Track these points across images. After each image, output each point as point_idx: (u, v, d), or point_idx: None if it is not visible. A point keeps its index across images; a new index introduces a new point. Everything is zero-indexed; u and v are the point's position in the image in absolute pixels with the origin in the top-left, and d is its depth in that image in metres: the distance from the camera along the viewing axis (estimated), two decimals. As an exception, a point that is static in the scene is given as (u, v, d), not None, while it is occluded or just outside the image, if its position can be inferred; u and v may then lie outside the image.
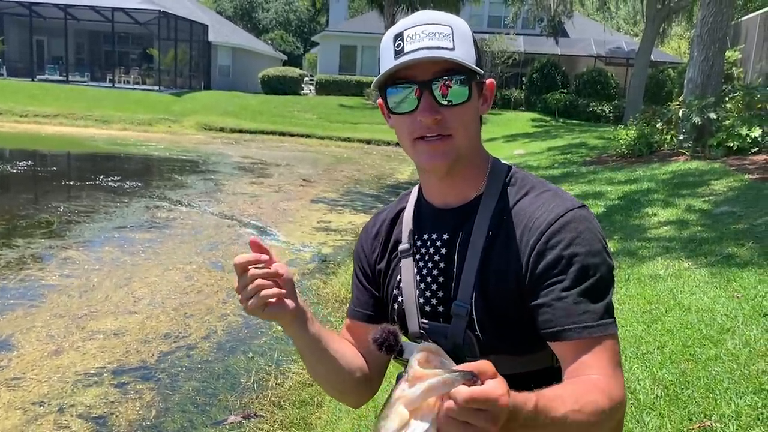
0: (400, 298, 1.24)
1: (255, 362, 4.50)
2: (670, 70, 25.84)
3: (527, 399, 0.81)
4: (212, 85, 34.97)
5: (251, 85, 35.32)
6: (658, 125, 11.71)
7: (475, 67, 1.10)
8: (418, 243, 1.23)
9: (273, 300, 1.06)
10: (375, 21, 30.13)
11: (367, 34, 32.01)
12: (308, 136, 23.52)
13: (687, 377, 3.31)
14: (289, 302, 1.09)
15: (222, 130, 23.78)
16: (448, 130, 1.10)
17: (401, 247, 1.25)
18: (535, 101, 27.96)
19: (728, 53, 13.42)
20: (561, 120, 25.26)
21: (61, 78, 31.67)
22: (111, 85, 30.90)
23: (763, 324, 3.76)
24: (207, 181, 13.14)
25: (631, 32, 38.34)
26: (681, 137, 10.66)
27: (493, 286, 1.12)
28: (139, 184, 12.11)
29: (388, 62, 1.10)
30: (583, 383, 1.00)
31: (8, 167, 13.40)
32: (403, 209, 1.31)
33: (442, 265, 1.19)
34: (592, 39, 29.89)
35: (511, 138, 19.93)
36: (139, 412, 3.75)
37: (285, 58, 47.67)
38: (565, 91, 27.22)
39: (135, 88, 30.63)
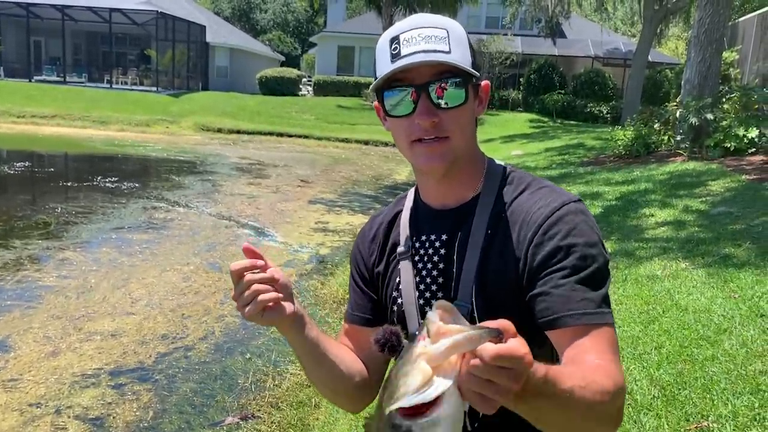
0: (399, 300, 1.24)
1: (252, 363, 4.50)
2: (667, 70, 25.88)
3: (538, 366, 0.80)
4: (210, 86, 34.94)
5: (249, 86, 35.31)
6: (655, 126, 11.72)
7: (471, 69, 1.11)
8: (417, 244, 1.23)
9: (270, 304, 1.06)
10: (373, 22, 30.15)
11: (365, 35, 32.01)
12: (306, 137, 23.52)
13: (684, 378, 3.31)
14: (287, 307, 1.08)
15: (220, 130, 23.77)
16: (445, 133, 1.11)
17: (400, 249, 1.26)
18: (533, 102, 27.99)
19: (725, 54, 13.45)
20: (558, 121, 25.29)
21: (58, 79, 31.64)
22: (108, 85, 30.85)
23: (760, 324, 3.77)
24: (205, 181, 13.13)
25: (629, 33, 38.40)
26: (678, 138, 10.68)
27: (493, 284, 1.12)
28: (137, 185, 12.10)
29: (384, 65, 1.11)
30: (586, 364, 0.99)
31: (6, 168, 13.38)
32: (400, 212, 1.31)
33: (441, 265, 1.19)
34: (590, 40, 29.93)
35: (509, 139, 19.95)
36: (137, 414, 3.75)
37: (283, 58, 47.66)
38: (563, 91, 27.25)
39: (133, 89, 30.60)
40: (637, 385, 3.30)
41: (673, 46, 33.05)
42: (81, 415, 3.69)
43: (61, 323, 4.99)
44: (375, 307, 1.31)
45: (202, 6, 46.21)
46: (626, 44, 30.02)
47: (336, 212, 10.44)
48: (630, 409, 3.09)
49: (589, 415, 0.92)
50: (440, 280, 1.19)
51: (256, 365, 4.47)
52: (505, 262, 1.12)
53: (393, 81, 1.10)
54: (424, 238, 1.23)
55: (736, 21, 16.51)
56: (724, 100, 10.76)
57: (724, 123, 9.95)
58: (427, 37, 1.09)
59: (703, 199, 7.18)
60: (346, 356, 1.26)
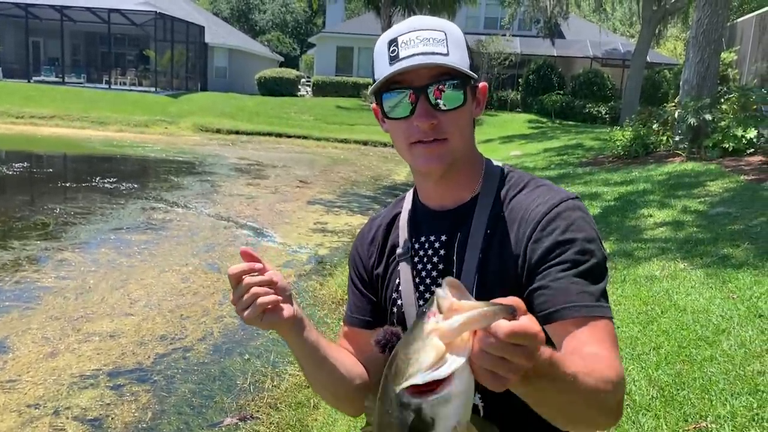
0: (399, 302, 1.24)
1: (251, 364, 4.50)
2: (666, 71, 25.92)
3: (543, 348, 0.79)
4: (209, 87, 34.92)
5: (248, 87, 35.31)
6: (654, 126, 11.74)
7: (469, 71, 1.11)
8: (416, 246, 1.24)
9: (270, 307, 1.05)
10: (372, 22, 30.16)
11: (364, 36, 32.01)
12: (305, 138, 23.51)
13: (682, 378, 3.31)
14: (286, 309, 1.08)
15: (218, 131, 23.75)
16: (444, 134, 1.11)
17: (399, 250, 1.26)
18: (532, 102, 28.00)
19: (724, 55, 13.47)
20: (557, 121, 25.30)
21: (57, 79, 31.61)
22: (107, 86, 30.82)
23: (758, 325, 3.77)
24: (203, 182, 13.12)
25: (627, 33, 38.44)
26: (677, 138, 10.69)
27: (494, 284, 1.12)
28: (136, 185, 12.09)
29: (383, 68, 1.11)
30: (588, 354, 0.98)
31: (4, 169, 13.36)
32: (398, 213, 1.31)
33: (441, 266, 1.19)
34: (588, 40, 29.94)
35: (508, 139, 19.95)
36: (135, 415, 3.74)
37: (282, 59, 47.65)
38: (562, 92, 27.26)
39: (131, 90, 30.57)
40: (635, 385, 3.30)
41: (672, 47, 33.08)
42: (79, 416, 3.68)
43: (59, 324, 4.99)
44: (374, 309, 1.31)
45: (200, 7, 46.19)
46: (625, 45, 30.04)
47: (335, 213, 10.44)
48: (628, 409, 3.09)
49: (591, 402, 0.91)
50: (440, 280, 1.18)
51: (255, 366, 4.46)
52: (504, 261, 1.12)
53: (391, 83, 1.11)
54: (423, 239, 1.23)
55: (735, 22, 16.53)
56: (722, 100, 10.78)
57: (723, 123, 9.96)
58: (426, 40, 1.09)
59: (702, 199, 7.19)
60: (346, 359, 1.26)
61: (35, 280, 6.06)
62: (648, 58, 21.75)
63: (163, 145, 19.81)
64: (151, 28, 31.72)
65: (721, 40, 10.94)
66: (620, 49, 29.34)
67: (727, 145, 9.55)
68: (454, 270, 1.17)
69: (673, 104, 11.51)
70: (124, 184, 11.99)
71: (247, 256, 1.07)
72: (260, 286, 1.04)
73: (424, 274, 1.21)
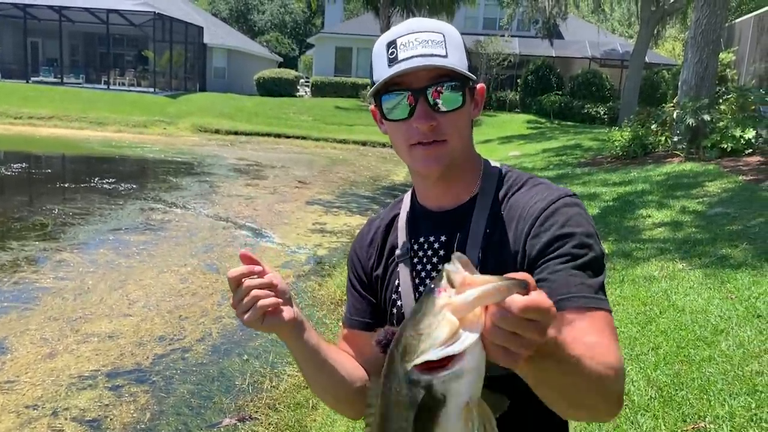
0: (399, 303, 1.24)
1: (250, 365, 4.50)
2: (664, 71, 25.95)
3: (549, 328, 0.78)
4: (207, 87, 34.91)
5: (246, 87, 35.29)
6: (652, 127, 11.75)
7: (468, 73, 1.11)
8: (415, 246, 1.24)
9: (270, 310, 1.05)
10: (370, 23, 30.17)
11: (363, 36, 32.02)
12: (304, 138, 23.51)
13: (681, 378, 3.32)
14: (286, 312, 1.08)
15: (217, 132, 23.74)
16: (443, 136, 1.12)
17: (398, 251, 1.26)
18: (530, 103, 28.02)
19: (722, 55, 13.49)
20: (556, 122, 25.32)
21: (55, 80, 31.57)
22: (106, 86, 30.78)
23: (756, 325, 3.78)
24: (202, 183, 13.12)
25: (626, 34, 38.47)
26: (675, 139, 10.70)
27: None
28: (134, 186, 12.08)
29: (382, 70, 1.12)
30: (588, 342, 0.97)
31: (3, 169, 13.35)
32: (397, 215, 1.32)
33: (440, 267, 1.19)
34: (587, 41, 29.96)
35: (506, 140, 19.96)
36: (134, 415, 3.74)
37: (280, 60, 47.64)
38: (560, 92, 27.27)
39: (130, 90, 30.54)
40: (634, 386, 3.30)
41: (670, 47, 33.11)
42: (78, 417, 3.68)
43: (58, 325, 4.98)
44: (374, 310, 1.31)
45: (199, 7, 46.18)
46: (623, 45, 30.07)
47: (333, 213, 10.44)
48: (627, 409, 3.09)
49: (593, 387, 0.90)
50: None
51: (254, 367, 4.46)
52: (504, 259, 1.12)
53: (390, 85, 1.11)
54: (422, 240, 1.23)
55: (733, 22, 16.56)
56: (721, 101, 10.79)
57: (721, 124, 9.97)
58: (424, 42, 1.10)
59: (700, 199, 7.20)
60: (346, 362, 1.26)
61: (34, 281, 6.06)
62: (646, 58, 21.78)
63: (161, 145, 19.80)
64: (150, 28, 31.71)
65: (719, 41, 10.95)
66: (619, 50, 29.37)
67: (726, 146, 9.57)
68: None
69: (672, 105, 11.52)
70: (122, 184, 11.98)
71: (247, 259, 1.06)
72: (260, 288, 1.04)
73: (423, 274, 1.21)
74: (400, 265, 1.25)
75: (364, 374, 1.27)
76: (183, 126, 24.19)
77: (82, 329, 4.93)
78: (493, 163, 1.26)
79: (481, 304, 0.71)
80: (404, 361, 0.75)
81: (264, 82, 33.80)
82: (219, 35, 37.87)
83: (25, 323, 4.98)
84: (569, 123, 24.94)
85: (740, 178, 8.01)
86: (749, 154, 9.43)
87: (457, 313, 0.71)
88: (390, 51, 1.11)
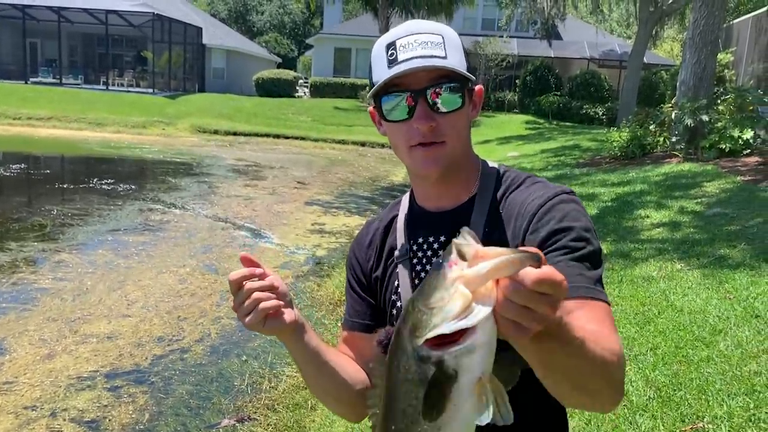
0: (398, 304, 1.24)
1: (249, 365, 4.50)
2: (662, 72, 25.95)
3: None
4: (206, 88, 34.90)
5: (245, 88, 35.28)
6: (650, 127, 11.76)
7: (467, 73, 1.12)
8: (414, 247, 1.24)
9: (272, 312, 1.05)
10: (369, 24, 30.16)
11: (362, 37, 32.02)
12: (303, 139, 23.51)
13: (679, 379, 3.32)
14: (287, 314, 1.08)
15: (216, 132, 23.74)
16: (443, 137, 1.13)
17: (397, 252, 1.26)
18: (529, 103, 28.03)
19: (720, 56, 13.49)
20: (554, 122, 25.33)
21: (54, 80, 31.55)
22: (105, 87, 30.77)
23: (754, 325, 3.78)
24: (201, 183, 13.11)
25: (624, 35, 38.50)
26: (673, 139, 10.72)
27: None
28: (133, 186, 12.07)
29: (381, 71, 1.12)
30: (590, 329, 0.95)
31: (1, 170, 13.34)
32: (395, 216, 1.32)
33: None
34: (585, 41, 29.99)
35: (505, 140, 19.97)
36: (133, 416, 3.74)
37: (279, 60, 47.64)
38: (559, 93, 27.28)
39: (129, 91, 30.53)
40: (632, 386, 3.30)
41: (669, 48, 33.16)
42: (76, 418, 3.68)
43: (56, 326, 4.98)
44: (374, 312, 1.31)
45: (198, 8, 46.17)
46: (622, 46, 30.09)
47: (332, 214, 10.44)
48: (625, 410, 3.09)
49: (598, 371, 0.89)
50: None
51: (252, 367, 4.46)
52: None
53: (390, 86, 1.12)
54: (421, 240, 1.24)
55: (731, 23, 16.57)
56: (719, 101, 10.81)
57: (719, 124, 9.99)
58: (424, 43, 1.10)
59: (699, 200, 7.21)
60: (347, 364, 1.26)
61: (32, 282, 6.05)
62: (645, 59, 21.79)
63: (160, 146, 19.79)
64: (149, 29, 31.70)
65: (717, 42, 10.97)
66: (617, 50, 29.39)
67: (724, 146, 9.58)
68: None
69: (670, 105, 11.54)
70: (121, 185, 11.98)
71: (248, 261, 1.06)
72: (262, 291, 1.04)
73: (423, 275, 1.22)
74: (399, 266, 1.25)
75: (365, 377, 1.26)
76: (182, 127, 24.18)
77: (80, 330, 4.93)
78: (491, 164, 1.27)
79: (495, 277, 0.69)
80: (414, 336, 0.73)
81: (263, 83, 33.79)
82: (218, 36, 37.86)
83: (23, 324, 4.98)
84: (568, 123, 24.96)
85: (738, 178, 8.02)
86: (747, 155, 9.45)
87: (469, 286, 0.70)
88: (389, 52, 1.12)
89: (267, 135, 23.71)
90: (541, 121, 25.75)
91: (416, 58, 1.09)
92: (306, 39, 46.15)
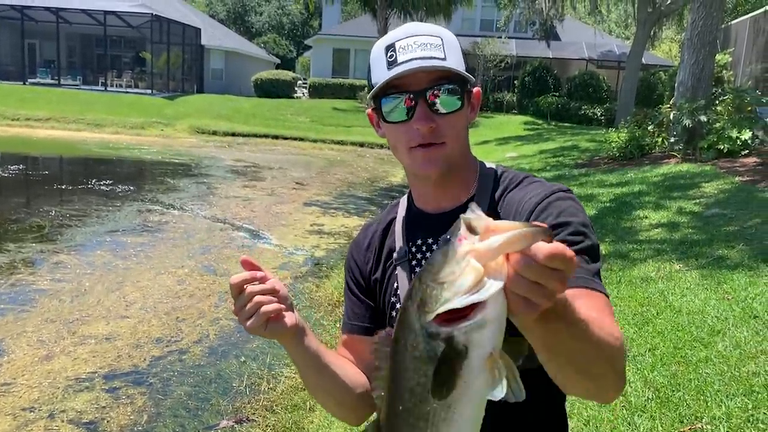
0: (398, 305, 1.24)
1: (247, 366, 4.49)
2: (661, 73, 25.97)
3: None
4: (205, 89, 34.88)
5: (244, 89, 35.28)
6: (649, 128, 11.78)
7: (466, 74, 1.13)
8: (413, 249, 1.24)
9: (273, 316, 1.05)
10: (368, 24, 30.16)
11: (360, 38, 32.02)
12: (301, 139, 23.51)
13: (678, 379, 3.32)
14: (288, 318, 1.08)
15: (215, 133, 23.73)
16: (442, 138, 1.13)
17: (396, 254, 1.27)
18: (528, 104, 28.04)
19: (718, 56, 13.52)
20: (553, 123, 25.35)
21: (53, 81, 31.52)
22: (103, 88, 30.75)
23: (753, 326, 3.79)
24: (199, 184, 13.10)
25: (623, 35, 38.54)
26: (672, 140, 10.73)
27: None
28: (132, 187, 12.07)
29: (381, 72, 1.13)
30: (593, 315, 0.95)
31: (0, 171, 13.34)
32: (394, 218, 1.32)
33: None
34: (584, 42, 30.01)
35: (504, 141, 19.98)
36: (131, 417, 3.73)
37: (278, 61, 47.63)
38: (557, 94, 27.31)
39: (127, 92, 30.51)
40: (631, 386, 3.30)
41: (667, 49, 33.18)
42: (75, 420, 3.67)
43: (55, 327, 4.97)
44: (373, 314, 1.31)
45: (197, 9, 46.15)
46: (620, 47, 30.11)
47: (331, 214, 10.43)
48: (624, 410, 3.10)
49: (602, 355, 0.89)
50: None
51: (251, 368, 4.46)
52: None
53: (390, 87, 1.12)
54: (420, 242, 1.24)
55: (729, 24, 16.60)
56: (717, 102, 10.82)
57: (718, 125, 10.00)
58: (423, 45, 1.11)
59: (697, 200, 7.21)
60: (347, 367, 1.26)
61: (30, 283, 6.05)
62: (643, 59, 21.81)
63: (159, 147, 19.78)
64: (147, 30, 31.68)
65: (715, 42, 10.99)
66: (615, 51, 29.41)
67: (722, 147, 9.59)
68: None
69: (668, 106, 11.56)
70: (120, 186, 11.97)
71: (248, 265, 1.06)
72: (263, 295, 1.04)
73: None
74: (398, 268, 1.25)
75: (365, 380, 1.26)
76: (180, 127, 24.17)
77: (79, 331, 4.92)
78: (489, 165, 1.27)
79: (508, 251, 0.68)
80: (423, 312, 0.71)
81: (261, 84, 33.79)
82: (216, 37, 37.86)
83: (21, 325, 4.97)
84: (566, 124, 24.98)
85: (737, 179, 8.03)
86: (746, 155, 9.46)
87: (481, 260, 0.68)
88: (389, 54, 1.12)
89: (266, 136, 23.71)
90: (540, 121, 25.76)
91: (416, 59, 1.09)
92: (305, 40, 46.16)
